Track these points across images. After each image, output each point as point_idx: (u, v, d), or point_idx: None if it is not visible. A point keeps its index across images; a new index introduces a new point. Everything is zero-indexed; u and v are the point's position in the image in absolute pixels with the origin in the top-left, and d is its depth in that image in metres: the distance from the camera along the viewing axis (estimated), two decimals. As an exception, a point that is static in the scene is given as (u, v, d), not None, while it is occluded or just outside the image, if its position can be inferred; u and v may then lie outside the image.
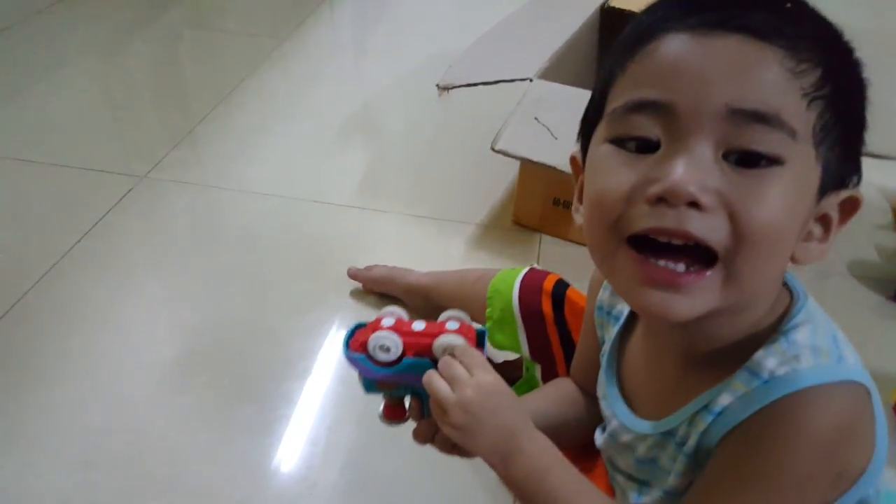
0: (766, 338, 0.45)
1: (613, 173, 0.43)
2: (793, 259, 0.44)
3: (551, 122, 1.05)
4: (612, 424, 0.56)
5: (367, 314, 1.03)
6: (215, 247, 1.18)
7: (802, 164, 0.41)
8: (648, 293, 0.42)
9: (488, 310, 0.82)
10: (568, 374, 0.71)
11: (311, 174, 1.39)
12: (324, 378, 0.94)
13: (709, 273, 0.41)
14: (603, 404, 0.58)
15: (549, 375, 0.77)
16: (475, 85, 1.14)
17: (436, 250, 1.18)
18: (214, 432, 0.86)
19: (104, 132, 1.52)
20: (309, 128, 1.56)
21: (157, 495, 0.78)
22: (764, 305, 0.47)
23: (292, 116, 1.60)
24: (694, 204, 0.39)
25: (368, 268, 1.07)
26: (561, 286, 0.78)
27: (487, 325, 0.81)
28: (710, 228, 0.40)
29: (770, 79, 0.39)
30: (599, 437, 0.60)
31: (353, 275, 1.08)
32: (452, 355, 0.51)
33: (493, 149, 1.05)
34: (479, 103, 1.30)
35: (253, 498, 0.79)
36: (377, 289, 1.07)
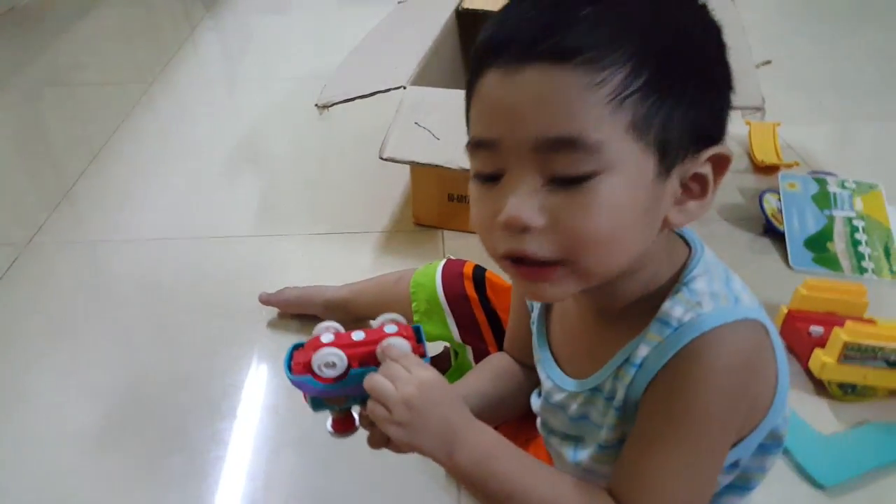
0: (669, 289, 0.50)
1: (476, 205, 0.49)
2: (669, 224, 0.48)
3: (431, 125, 1.09)
4: (547, 386, 0.60)
5: (286, 340, 1.04)
6: (115, 301, 1.14)
7: (624, 164, 0.43)
8: (526, 284, 0.49)
9: (414, 304, 0.84)
10: (499, 350, 0.74)
11: (203, 211, 1.37)
12: (252, 412, 0.93)
13: (558, 270, 0.46)
14: (538, 368, 0.62)
15: (480, 356, 0.79)
16: (353, 99, 1.16)
17: (344, 264, 1.19)
18: (147, 490, 0.84)
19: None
20: (192, 166, 1.53)
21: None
22: (655, 265, 0.51)
23: (172, 157, 1.57)
24: (528, 228, 0.44)
25: (280, 291, 1.06)
26: (479, 270, 0.83)
27: (415, 318, 0.84)
28: (542, 246, 0.45)
29: (567, 101, 0.42)
30: (536, 401, 0.63)
31: (266, 300, 1.06)
32: (392, 359, 0.52)
33: (381, 157, 1.08)
34: (360, 116, 1.32)
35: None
36: (293, 311, 1.06)
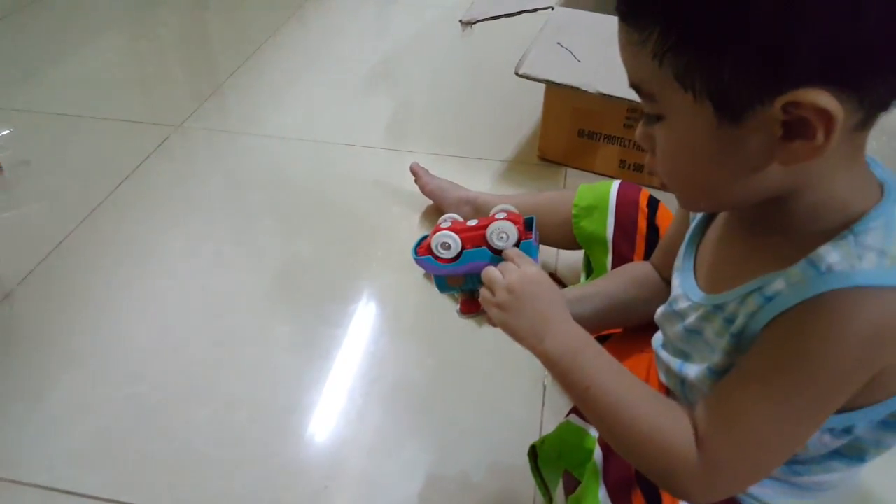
0: (835, 233, 0.46)
1: None
2: (779, 160, 0.44)
3: (574, 47, 1.06)
4: (675, 293, 0.59)
5: (396, 239, 1.07)
6: (246, 187, 1.22)
7: (681, 110, 0.45)
8: None
9: (576, 199, 0.90)
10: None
11: (339, 120, 1.42)
12: (367, 301, 0.98)
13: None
14: (674, 276, 0.61)
15: (620, 264, 0.80)
16: (498, 17, 1.15)
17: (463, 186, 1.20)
18: (257, 348, 0.90)
19: (141, 89, 1.57)
20: (335, 78, 1.58)
21: (201, 404, 0.83)
22: (815, 201, 0.47)
23: (318, 68, 1.63)
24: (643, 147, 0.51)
25: (427, 172, 1.12)
26: (654, 198, 0.87)
27: (574, 212, 0.89)
28: (654, 168, 0.51)
29: (628, 57, 0.47)
30: (660, 310, 0.62)
31: (415, 169, 1.13)
32: (509, 257, 0.59)
33: (517, 73, 1.06)
34: (502, 39, 1.31)
35: (297, 406, 0.83)
36: (429, 194, 1.12)
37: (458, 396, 0.84)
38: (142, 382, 0.86)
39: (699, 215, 0.61)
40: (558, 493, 0.65)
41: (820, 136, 0.41)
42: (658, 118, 0.48)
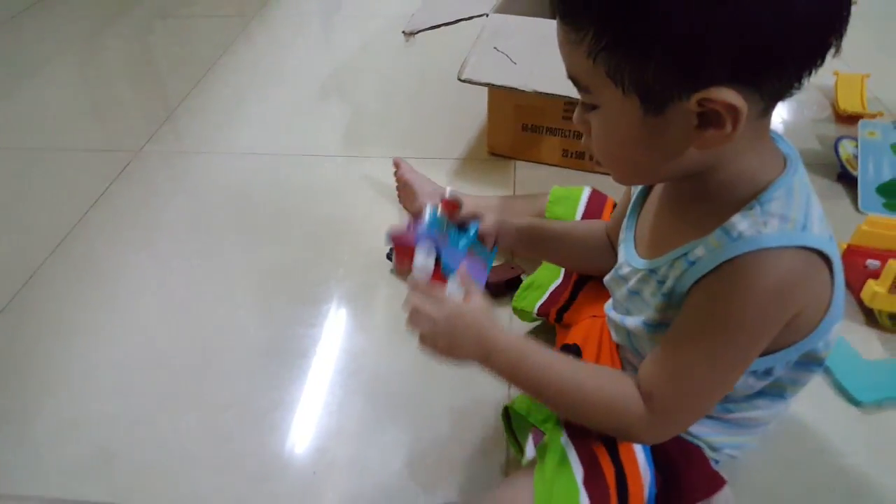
0: (745, 203, 0.53)
1: None
2: (694, 145, 0.51)
3: (509, 50, 1.13)
4: (620, 260, 0.68)
5: (362, 244, 1.13)
6: (209, 205, 1.27)
7: (612, 102, 0.52)
8: None
9: (553, 189, 1.00)
10: None
11: (294, 132, 1.47)
12: (333, 303, 1.04)
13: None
14: (619, 246, 0.70)
15: None
16: (438, 27, 1.22)
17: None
18: (237, 354, 0.96)
19: (96, 117, 1.60)
20: (287, 93, 1.64)
21: (188, 410, 0.88)
22: (729, 176, 0.54)
23: (269, 85, 1.68)
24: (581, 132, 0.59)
25: (405, 163, 1.19)
26: None
27: (549, 199, 0.99)
28: (591, 149, 0.58)
29: (566, 53, 0.53)
30: (608, 276, 0.71)
31: (397, 161, 1.20)
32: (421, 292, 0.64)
33: (459, 78, 1.13)
34: (443, 47, 1.38)
35: (279, 403, 0.89)
36: (402, 189, 1.19)
37: (430, 380, 0.90)
38: (129, 395, 0.91)
39: (637, 191, 0.69)
40: (528, 446, 0.72)
41: (728, 126, 0.48)
42: (593, 107, 0.54)
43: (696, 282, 0.55)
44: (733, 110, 0.48)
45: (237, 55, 1.83)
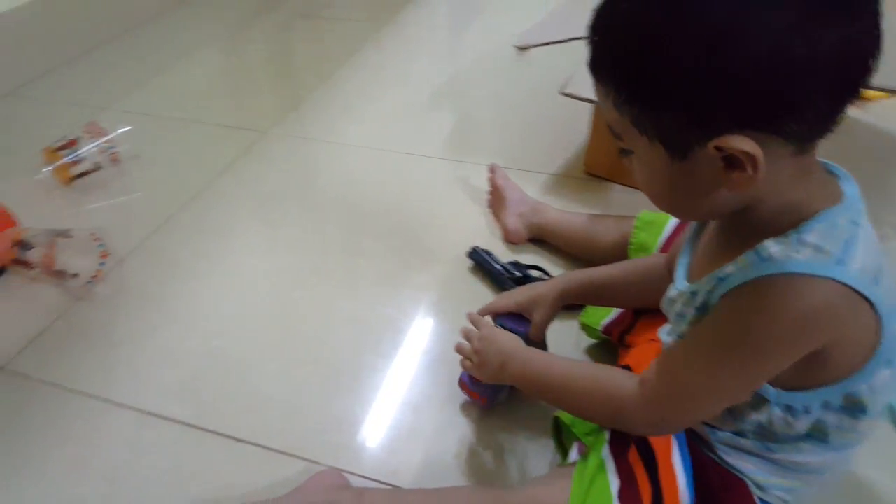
0: (783, 232, 0.54)
1: None
2: (725, 187, 0.53)
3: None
4: (674, 283, 0.70)
5: (454, 237, 1.21)
6: (321, 186, 1.39)
7: (642, 148, 0.55)
8: None
9: (640, 215, 1.01)
10: None
11: (405, 131, 1.58)
12: (418, 289, 1.12)
13: None
14: (674, 274, 0.71)
15: None
16: (549, 44, 1.27)
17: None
18: (321, 318, 1.06)
19: (233, 99, 1.78)
20: (403, 95, 1.75)
21: (270, 359, 0.98)
22: (771, 210, 0.55)
23: (388, 86, 1.80)
24: None
25: (505, 174, 1.26)
26: None
27: (636, 225, 1.01)
28: None
29: (603, 104, 0.57)
30: (663, 299, 0.73)
31: (493, 167, 1.27)
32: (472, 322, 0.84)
33: (561, 93, 1.18)
34: (555, 66, 1.44)
35: (350, 367, 0.97)
36: (495, 192, 1.25)
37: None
38: (224, 337, 1.02)
39: (694, 224, 0.71)
40: (572, 453, 0.75)
41: (749, 169, 0.51)
42: (630, 152, 0.58)
43: (723, 295, 0.56)
44: (749, 156, 0.50)
45: (364, 56, 1.97)
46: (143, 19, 2.19)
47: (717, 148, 0.50)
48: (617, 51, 0.53)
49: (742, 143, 0.49)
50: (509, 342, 0.78)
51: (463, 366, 0.82)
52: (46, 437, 0.88)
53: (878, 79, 0.49)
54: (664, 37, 0.49)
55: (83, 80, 1.85)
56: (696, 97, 0.49)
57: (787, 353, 0.55)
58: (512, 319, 0.88)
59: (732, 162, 0.51)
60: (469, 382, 0.87)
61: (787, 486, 0.66)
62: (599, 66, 0.55)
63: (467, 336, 0.82)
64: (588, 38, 0.55)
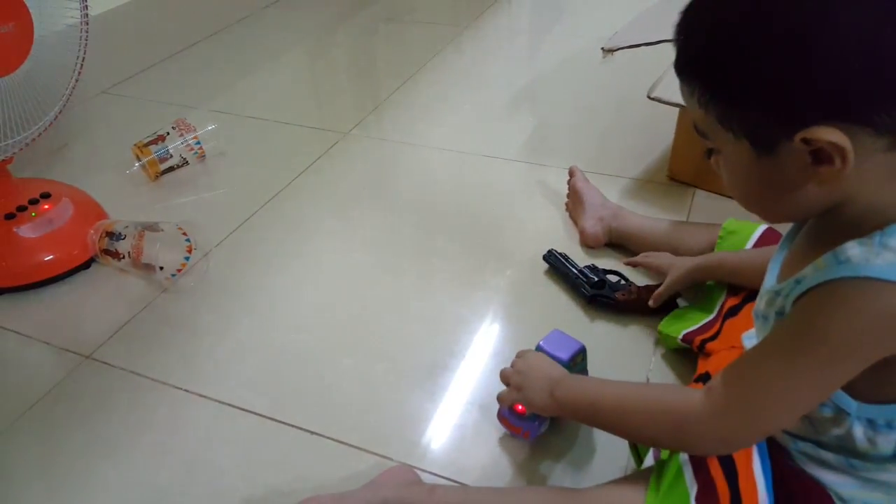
0: (866, 234, 0.52)
1: None
2: (812, 182, 0.52)
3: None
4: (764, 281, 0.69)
5: (524, 239, 1.19)
6: (399, 186, 1.40)
7: (728, 145, 0.55)
8: None
9: (725, 224, 1.00)
10: None
11: (483, 134, 1.57)
12: (492, 292, 1.11)
13: None
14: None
15: None
16: (637, 46, 1.24)
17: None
18: (396, 316, 1.06)
19: (317, 100, 1.82)
20: (483, 98, 1.75)
21: (347, 354, 0.99)
22: (858, 210, 0.53)
23: (469, 89, 1.80)
24: None
25: (583, 179, 1.24)
26: None
27: (720, 233, 0.99)
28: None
29: (687, 103, 0.57)
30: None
31: (573, 170, 1.26)
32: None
33: (648, 96, 1.15)
34: (641, 69, 1.40)
35: (424, 365, 0.97)
36: (573, 196, 1.24)
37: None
38: (302, 332, 1.04)
39: (790, 224, 0.68)
40: (647, 458, 0.73)
41: (838, 162, 0.50)
42: (717, 151, 0.58)
43: (797, 298, 0.55)
44: (838, 148, 0.49)
45: (445, 59, 1.98)
46: (231, 21, 2.28)
47: (804, 141, 0.50)
48: (702, 48, 0.54)
49: (829, 135, 0.49)
50: (554, 368, 0.77)
51: (505, 399, 0.80)
52: (129, 425, 0.91)
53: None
54: (748, 31, 0.50)
55: (173, 80, 1.93)
56: (782, 89, 0.50)
57: (863, 354, 0.52)
58: (552, 343, 0.83)
59: (820, 156, 0.50)
60: (510, 416, 0.83)
61: (873, 499, 0.63)
62: (685, 64, 0.56)
63: (509, 370, 0.82)
64: (674, 38, 0.56)
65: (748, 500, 0.61)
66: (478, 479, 0.81)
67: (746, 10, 0.50)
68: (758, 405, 0.57)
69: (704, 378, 0.80)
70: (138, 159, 1.40)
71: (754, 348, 0.59)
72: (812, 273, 0.54)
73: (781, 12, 0.48)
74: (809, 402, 0.57)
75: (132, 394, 0.96)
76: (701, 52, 0.54)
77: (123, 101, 1.83)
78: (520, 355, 0.81)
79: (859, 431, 0.58)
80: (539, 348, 0.82)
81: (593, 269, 1.08)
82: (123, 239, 1.14)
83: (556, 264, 1.11)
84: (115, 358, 1.01)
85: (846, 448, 0.60)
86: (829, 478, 0.63)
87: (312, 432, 0.88)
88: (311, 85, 1.93)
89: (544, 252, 1.13)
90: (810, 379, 0.55)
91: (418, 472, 0.81)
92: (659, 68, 1.29)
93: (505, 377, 0.81)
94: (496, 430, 0.87)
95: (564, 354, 0.81)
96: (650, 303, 0.99)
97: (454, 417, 0.90)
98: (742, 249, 0.94)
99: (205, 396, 0.94)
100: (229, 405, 0.93)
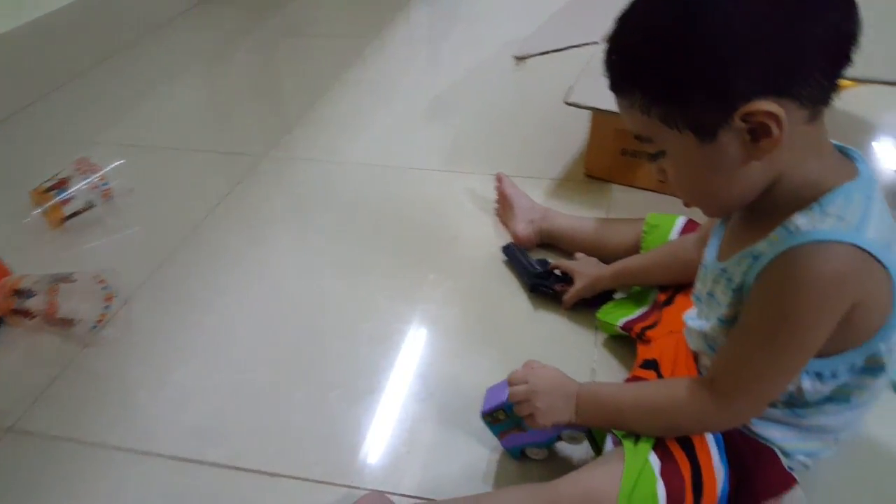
0: (806, 206, 0.59)
1: None
2: (754, 158, 0.59)
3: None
4: (703, 262, 0.75)
5: (459, 249, 1.20)
6: (327, 206, 1.37)
7: (674, 142, 0.60)
8: None
9: (648, 219, 1.05)
10: None
11: (402, 146, 1.57)
12: (436, 304, 1.11)
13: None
14: (704, 253, 0.76)
15: None
16: (548, 53, 1.28)
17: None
18: (343, 342, 1.04)
19: (225, 123, 1.76)
20: (397, 110, 1.74)
21: (297, 387, 0.96)
22: (792, 186, 0.60)
23: (382, 102, 1.79)
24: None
25: (506, 178, 1.27)
26: None
27: (644, 228, 1.05)
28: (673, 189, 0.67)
29: (626, 116, 0.63)
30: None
31: (499, 177, 1.28)
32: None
33: (566, 102, 1.19)
34: (550, 73, 1.44)
35: (376, 388, 0.96)
36: (502, 200, 1.26)
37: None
38: (245, 370, 1.00)
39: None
40: (606, 444, 0.76)
41: (775, 130, 0.56)
42: (661, 153, 0.63)
43: (759, 274, 0.61)
44: (773, 116, 0.55)
45: (354, 73, 1.96)
46: (119, 46, 2.15)
47: (743, 119, 0.56)
48: (639, 59, 0.59)
49: (765, 105, 0.55)
50: (560, 379, 0.78)
51: (537, 425, 0.77)
52: (68, 498, 0.84)
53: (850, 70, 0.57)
54: (677, 33, 0.56)
55: (63, 113, 1.81)
56: (717, 78, 0.55)
57: (831, 314, 0.59)
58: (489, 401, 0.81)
59: (758, 132, 0.56)
60: (523, 439, 0.81)
61: (809, 449, 0.71)
62: (620, 80, 0.61)
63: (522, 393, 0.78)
64: (606, 62, 0.61)
65: (705, 465, 0.67)
66: (452, 493, 0.80)
67: (675, 14, 0.56)
68: (755, 385, 0.65)
69: (651, 364, 0.84)
70: (38, 206, 1.30)
71: (734, 335, 0.65)
72: (768, 248, 0.60)
73: (703, 11, 0.55)
74: (797, 367, 0.63)
75: (67, 464, 0.88)
76: (638, 62, 0.59)
77: (11, 141, 1.69)
78: (527, 368, 0.79)
79: (808, 384, 0.65)
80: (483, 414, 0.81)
81: (543, 262, 1.13)
82: (35, 296, 1.05)
83: (511, 257, 1.16)
84: (40, 426, 0.93)
85: (793, 400, 0.68)
86: (773, 434, 0.70)
87: (273, 474, 0.85)
88: (217, 107, 1.86)
89: (503, 245, 1.19)
90: (795, 350, 0.61)
91: (390, 497, 0.80)
92: (568, 72, 1.33)
93: (519, 397, 0.77)
94: (464, 444, 0.87)
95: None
96: (562, 305, 1.05)
97: (418, 436, 0.89)
98: (645, 252, 1.02)
99: (149, 453, 0.89)
100: (179, 459, 0.88)
